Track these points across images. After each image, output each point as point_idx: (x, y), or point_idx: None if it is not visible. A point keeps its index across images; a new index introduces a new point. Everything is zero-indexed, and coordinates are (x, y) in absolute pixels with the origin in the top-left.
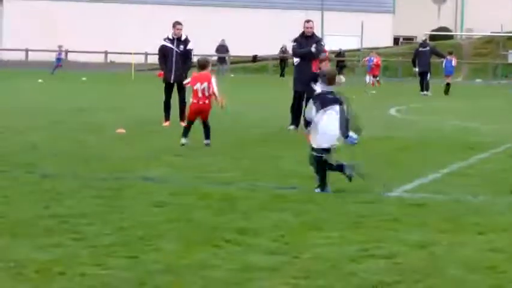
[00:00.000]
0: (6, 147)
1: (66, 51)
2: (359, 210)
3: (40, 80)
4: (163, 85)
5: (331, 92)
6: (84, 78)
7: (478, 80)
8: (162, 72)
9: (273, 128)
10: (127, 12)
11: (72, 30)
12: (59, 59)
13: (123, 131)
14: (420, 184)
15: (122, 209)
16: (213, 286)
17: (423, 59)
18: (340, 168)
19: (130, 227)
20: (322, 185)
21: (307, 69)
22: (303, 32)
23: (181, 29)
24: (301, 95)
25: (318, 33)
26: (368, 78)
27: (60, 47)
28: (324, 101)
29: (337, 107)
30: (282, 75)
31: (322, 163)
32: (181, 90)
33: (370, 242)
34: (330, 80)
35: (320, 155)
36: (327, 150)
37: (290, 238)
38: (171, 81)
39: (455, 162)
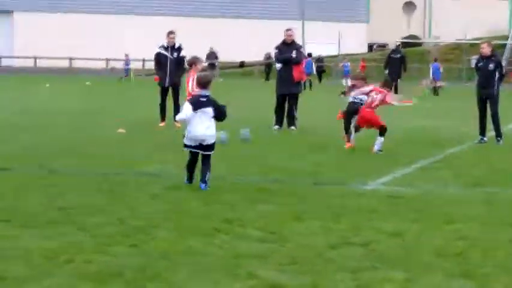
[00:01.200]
0: (17, 145)
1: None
2: (338, 202)
3: (47, 85)
4: (159, 89)
5: (206, 95)
6: (88, 83)
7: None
8: (158, 77)
9: (259, 128)
10: (129, 23)
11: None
12: (126, 69)
13: (123, 131)
14: (394, 178)
15: (121, 202)
16: (205, 271)
17: (394, 66)
18: (189, 170)
19: (129, 217)
20: (188, 176)
21: (288, 73)
22: (284, 40)
23: (174, 38)
24: (284, 98)
25: (299, 41)
26: (344, 81)
27: (126, 55)
28: (196, 104)
29: (209, 109)
30: (267, 79)
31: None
32: (176, 93)
33: (349, 230)
34: (203, 85)
35: (186, 149)
36: (191, 147)
37: (275, 228)
38: (166, 85)
39: (426, 158)
